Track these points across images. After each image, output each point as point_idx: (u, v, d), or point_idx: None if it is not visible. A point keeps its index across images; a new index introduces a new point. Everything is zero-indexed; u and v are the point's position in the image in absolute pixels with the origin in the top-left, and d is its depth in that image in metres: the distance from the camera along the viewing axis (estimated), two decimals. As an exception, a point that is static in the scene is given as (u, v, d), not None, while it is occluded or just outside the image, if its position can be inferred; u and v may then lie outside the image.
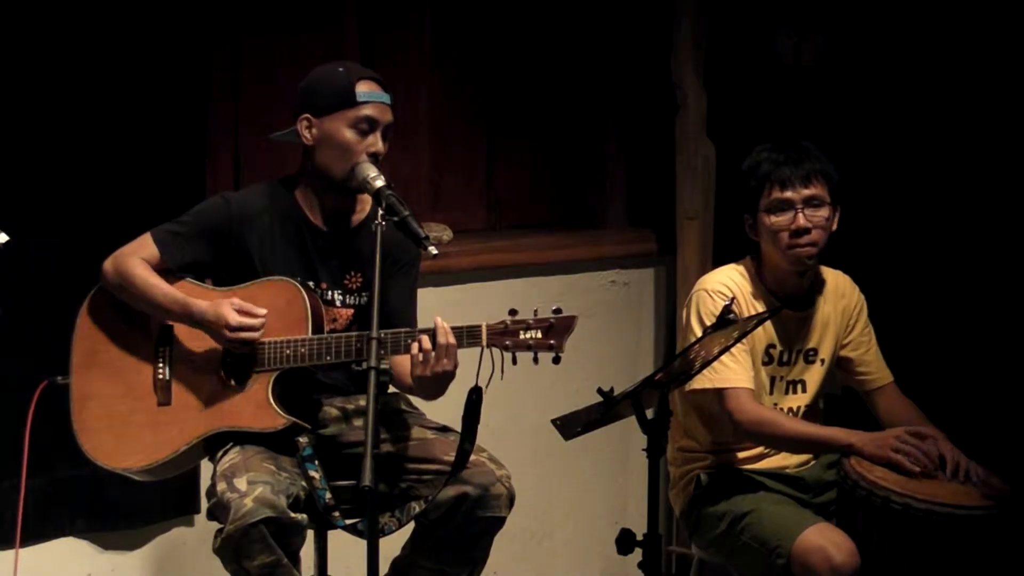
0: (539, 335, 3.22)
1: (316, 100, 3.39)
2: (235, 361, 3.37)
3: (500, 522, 3.39)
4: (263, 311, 3.31)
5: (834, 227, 3.63)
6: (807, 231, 3.56)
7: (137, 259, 3.39)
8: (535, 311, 3.23)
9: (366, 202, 3.48)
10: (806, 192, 3.56)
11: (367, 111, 3.38)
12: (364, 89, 3.39)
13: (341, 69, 3.45)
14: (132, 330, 3.44)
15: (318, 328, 3.35)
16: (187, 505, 4.06)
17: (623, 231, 5.06)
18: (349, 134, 3.37)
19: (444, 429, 3.50)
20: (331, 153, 3.39)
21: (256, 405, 3.33)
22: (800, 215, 3.56)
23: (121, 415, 3.41)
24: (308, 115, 3.40)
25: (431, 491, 3.36)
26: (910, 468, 3.42)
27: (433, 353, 3.20)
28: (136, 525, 4.03)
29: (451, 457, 3.35)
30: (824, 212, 3.57)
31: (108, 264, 3.42)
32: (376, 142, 3.38)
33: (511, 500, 3.38)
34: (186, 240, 3.41)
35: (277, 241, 3.43)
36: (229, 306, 3.31)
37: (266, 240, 3.43)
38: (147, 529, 4.06)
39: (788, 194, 3.56)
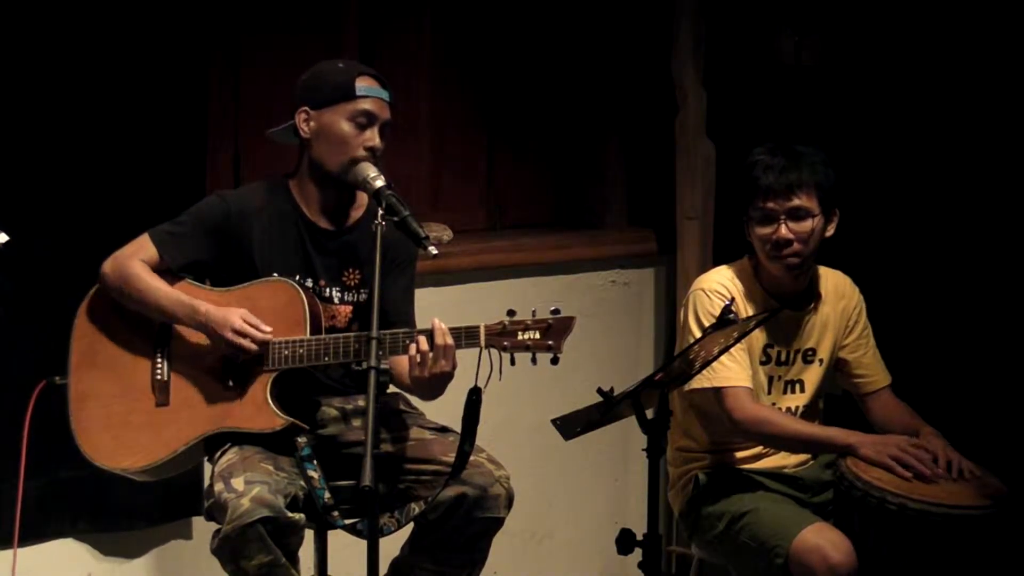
0: (537, 336, 3.22)
1: (315, 93, 3.40)
2: (234, 361, 3.37)
3: (499, 523, 3.39)
4: (269, 329, 3.32)
5: (829, 233, 3.61)
6: (789, 243, 3.54)
7: (137, 261, 3.39)
8: (533, 312, 3.23)
9: (364, 198, 3.48)
10: (788, 204, 3.53)
11: (365, 105, 3.38)
12: (364, 84, 3.39)
13: (342, 64, 3.46)
14: (130, 330, 3.44)
15: (316, 329, 3.35)
16: (188, 507, 4.05)
17: (623, 231, 5.06)
18: (347, 127, 3.38)
19: (443, 429, 3.50)
20: (327, 146, 3.39)
21: (254, 405, 3.34)
22: (782, 227, 3.54)
23: (119, 415, 3.41)
24: (306, 107, 3.41)
25: (429, 492, 3.36)
26: (902, 475, 3.42)
27: (431, 354, 3.20)
28: (137, 526, 4.03)
29: (449, 458, 3.35)
30: (808, 224, 3.55)
31: (107, 267, 3.42)
32: (373, 137, 3.38)
33: (510, 500, 3.38)
34: (185, 240, 3.41)
35: (275, 239, 3.44)
36: (236, 313, 3.32)
37: (264, 238, 3.43)
38: (148, 530, 4.06)
39: (771, 205, 3.54)
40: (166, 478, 3.52)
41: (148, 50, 3.90)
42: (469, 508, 3.34)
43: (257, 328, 3.31)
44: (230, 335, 3.30)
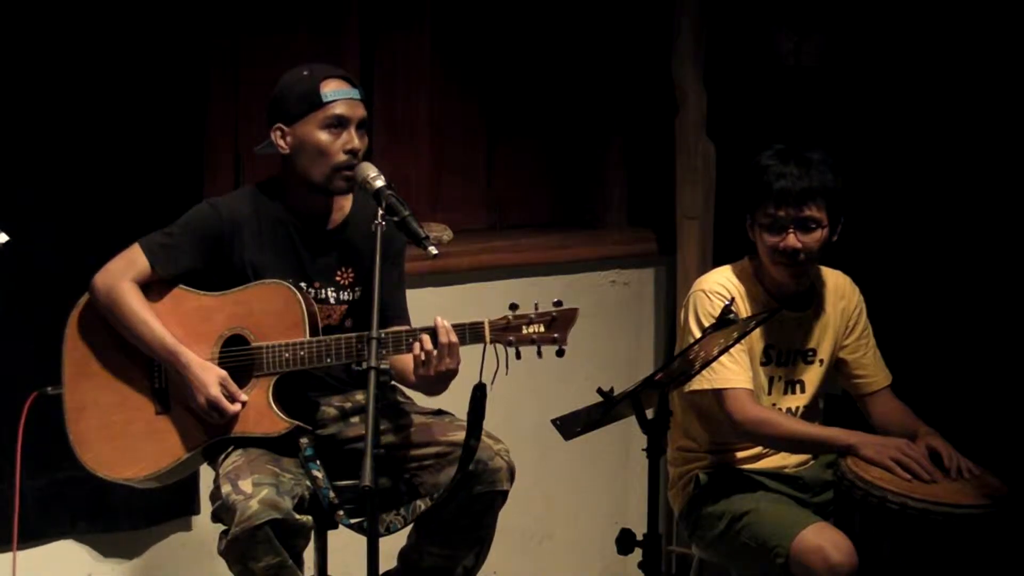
0: (542, 329, 3.23)
1: (285, 108, 3.38)
2: (233, 366, 3.36)
3: (503, 496, 3.39)
4: (244, 398, 3.32)
5: (834, 238, 3.60)
6: (796, 252, 3.54)
7: (129, 284, 3.36)
8: (535, 305, 3.24)
9: (346, 197, 3.47)
10: (799, 215, 3.52)
11: (336, 110, 3.36)
12: (330, 88, 3.37)
13: (306, 72, 3.41)
14: (124, 338, 3.42)
15: (315, 330, 3.34)
16: (187, 506, 4.06)
17: (623, 231, 5.06)
18: (323, 136, 3.36)
19: (439, 412, 3.51)
20: (309, 158, 3.37)
21: (256, 410, 3.33)
22: (791, 236, 3.53)
23: (118, 425, 3.39)
24: (280, 124, 3.39)
25: (433, 477, 3.36)
26: (902, 476, 3.42)
27: (435, 352, 3.21)
28: (137, 526, 4.03)
29: (449, 437, 3.36)
30: (817, 235, 3.54)
31: (98, 282, 3.38)
32: (351, 139, 3.37)
33: (511, 473, 3.38)
34: (177, 250, 3.39)
35: (266, 245, 3.42)
36: (216, 378, 3.31)
37: (256, 245, 3.41)
38: (148, 530, 4.06)
39: (781, 213, 3.53)
40: (168, 483, 3.50)
41: (148, 50, 3.90)
42: (471, 484, 3.33)
43: (233, 398, 3.31)
44: (202, 400, 3.31)
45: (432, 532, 3.43)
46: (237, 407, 3.31)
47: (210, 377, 3.31)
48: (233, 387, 3.32)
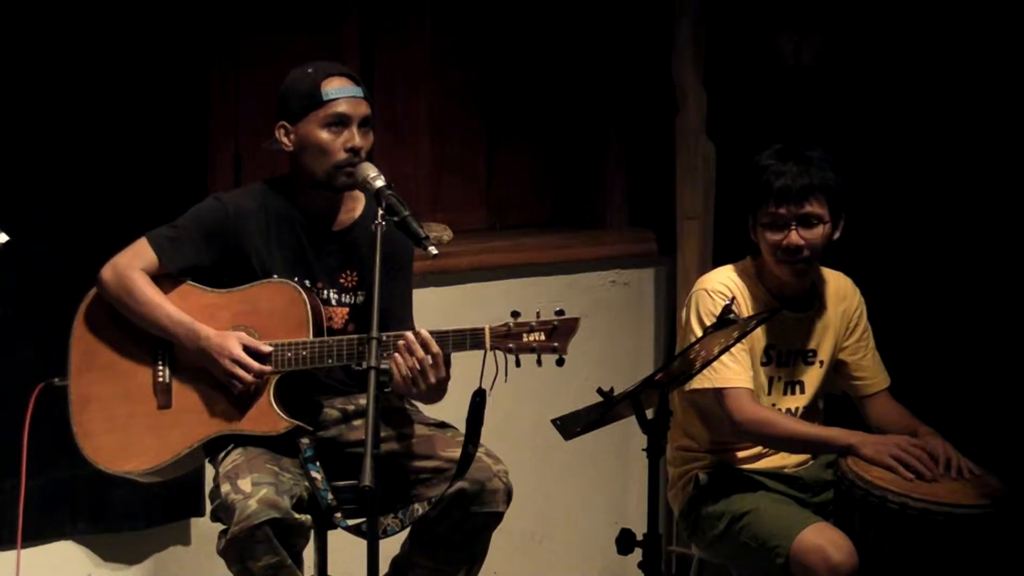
0: (542, 337, 3.23)
1: (288, 106, 3.40)
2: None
3: (498, 517, 3.39)
4: (267, 349, 3.31)
5: (836, 236, 3.61)
6: (799, 249, 3.54)
7: (139, 273, 3.37)
8: (537, 313, 3.23)
9: (358, 199, 3.48)
10: (800, 211, 3.52)
11: (336, 108, 3.37)
12: (332, 87, 3.38)
13: (310, 70, 3.42)
14: (130, 333, 3.42)
15: (319, 330, 3.34)
16: (189, 507, 4.05)
17: (623, 231, 5.06)
18: (324, 134, 3.37)
19: (442, 425, 3.51)
20: (311, 156, 3.38)
21: (258, 408, 3.33)
22: (793, 233, 3.53)
23: (121, 418, 3.40)
24: (284, 122, 3.41)
25: (430, 490, 3.36)
26: (903, 475, 3.42)
27: (418, 367, 3.20)
28: (137, 527, 4.03)
29: (449, 453, 3.36)
30: (819, 231, 3.54)
31: (107, 274, 3.39)
32: (352, 137, 3.37)
33: (508, 495, 3.38)
34: (183, 244, 3.40)
35: (273, 241, 3.43)
36: (237, 339, 3.31)
37: (262, 241, 3.42)
38: (148, 531, 4.05)
39: (783, 211, 3.53)
40: (167, 479, 3.50)
41: (149, 50, 3.90)
42: (467, 503, 3.34)
43: (256, 352, 3.31)
44: (228, 363, 3.30)
45: (425, 545, 3.44)
46: (268, 367, 3.30)
47: (230, 340, 3.31)
48: (253, 341, 3.32)
